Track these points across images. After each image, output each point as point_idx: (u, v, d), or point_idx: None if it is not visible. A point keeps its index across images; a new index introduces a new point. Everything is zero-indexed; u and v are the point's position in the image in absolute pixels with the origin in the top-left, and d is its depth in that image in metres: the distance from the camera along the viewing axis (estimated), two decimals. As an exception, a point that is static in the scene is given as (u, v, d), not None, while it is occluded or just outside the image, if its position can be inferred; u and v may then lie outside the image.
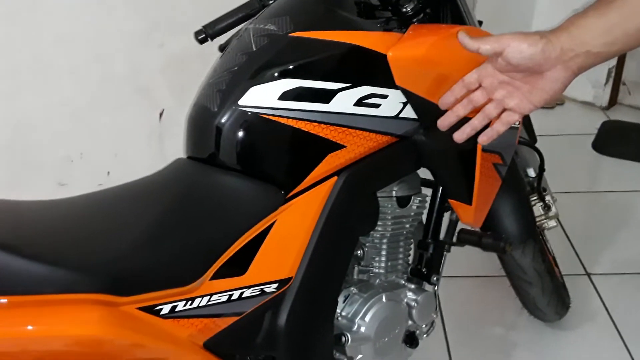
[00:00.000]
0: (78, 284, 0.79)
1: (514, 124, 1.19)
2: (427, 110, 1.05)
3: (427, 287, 1.23)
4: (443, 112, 1.07)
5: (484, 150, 1.14)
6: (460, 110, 0.89)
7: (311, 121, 0.96)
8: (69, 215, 0.91)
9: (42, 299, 0.77)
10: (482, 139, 0.91)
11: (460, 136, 0.91)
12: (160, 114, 2.07)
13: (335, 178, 1.00)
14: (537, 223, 1.50)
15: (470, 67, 1.11)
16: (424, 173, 1.18)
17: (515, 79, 0.84)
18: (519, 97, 0.85)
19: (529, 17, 2.97)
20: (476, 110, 0.89)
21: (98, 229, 0.89)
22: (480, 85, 0.87)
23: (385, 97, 1.01)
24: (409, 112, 1.04)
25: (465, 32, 0.86)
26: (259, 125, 0.96)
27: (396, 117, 1.03)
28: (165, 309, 0.86)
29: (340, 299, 1.11)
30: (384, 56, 0.99)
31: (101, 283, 0.80)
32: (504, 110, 0.87)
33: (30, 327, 0.76)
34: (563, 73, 0.81)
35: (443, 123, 0.91)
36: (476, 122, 0.89)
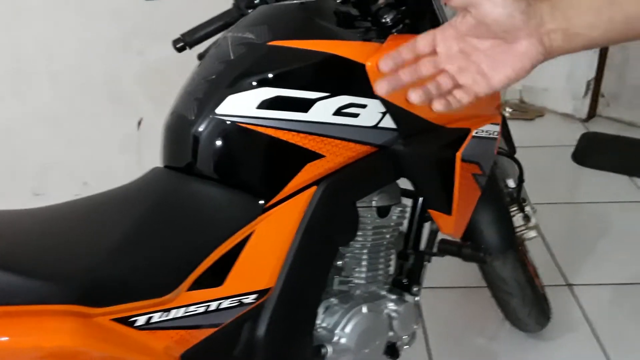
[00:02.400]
0: (51, 295, 0.78)
1: (491, 135, 1.21)
2: (406, 120, 1.05)
3: (408, 297, 1.22)
4: (422, 123, 1.07)
5: (463, 160, 1.14)
6: (404, 77, 0.72)
7: (289, 130, 0.95)
8: (42, 225, 0.90)
9: (14, 309, 0.76)
10: (436, 107, 0.73)
11: (414, 98, 0.72)
12: (139, 123, 2.06)
13: (314, 188, 0.99)
14: (517, 234, 1.50)
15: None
16: (404, 183, 1.18)
17: (477, 50, 0.71)
18: (475, 73, 0.71)
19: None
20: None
21: (72, 238, 0.88)
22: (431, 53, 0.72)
23: (364, 106, 1.00)
24: (388, 122, 1.04)
25: None
26: (237, 134, 0.95)
27: (375, 126, 1.03)
28: (141, 320, 0.84)
29: (320, 309, 1.09)
30: (363, 66, 0.99)
31: (74, 294, 0.79)
32: (454, 87, 0.72)
33: (3, 339, 0.75)
34: (535, 48, 0.69)
35: (380, 88, 0.73)
36: (431, 90, 0.72)
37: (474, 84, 0.71)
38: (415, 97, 0.72)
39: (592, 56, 2.84)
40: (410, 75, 0.72)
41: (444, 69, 0.72)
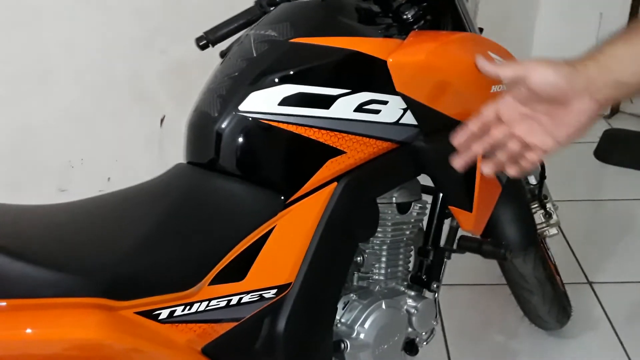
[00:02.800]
0: (77, 288, 0.79)
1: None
2: (427, 117, 1.05)
3: (427, 294, 1.22)
4: (444, 119, 1.07)
5: (484, 156, 1.14)
6: (478, 148, 0.80)
7: (311, 127, 0.96)
8: (69, 220, 0.91)
9: (41, 302, 0.77)
10: (511, 172, 0.81)
11: (487, 170, 0.81)
12: (162, 120, 2.08)
13: (335, 184, 1.00)
14: (538, 231, 1.49)
15: (470, 74, 1.11)
16: (425, 179, 1.18)
17: (537, 112, 0.77)
18: (542, 133, 0.77)
19: (531, 25, 2.98)
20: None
21: (98, 233, 0.89)
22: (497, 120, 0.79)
23: (385, 103, 1.01)
24: (409, 119, 1.04)
25: (483, 56, 0.82)
26: (259, 130, 0.96)
27: (396, 123, 1.03)
28: (164, 313, 0.86)
29: (340, 305, 1.10)
30: (385, 62, 0.99)
31: (100, 287, 0.80)
32: (525, 146, 0.79)
33: (29, 331, 0.76)
34: (589, 105, 0.74)
35: (457, 163, 0.82)
36: (501, 159, 0.80)
37: (542, 143, 0.78)
38: (488, 169, 0.81)
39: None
40: (483, 145, 0.80)
41: (513, 133, 0.78)
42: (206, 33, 1.16)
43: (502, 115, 0.79)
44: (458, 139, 0.81)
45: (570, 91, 0.74)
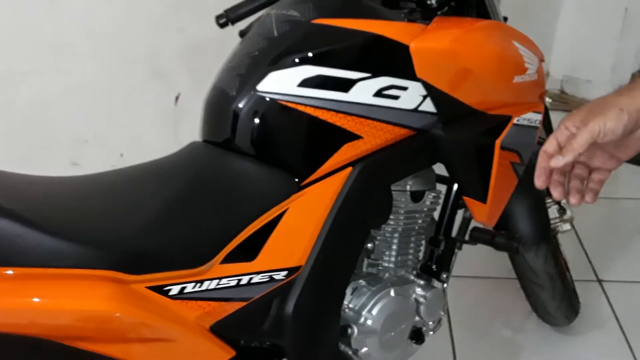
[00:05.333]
0: (89, 259, 0.79)
1: (532, 123, 1.19)
2: (447, 105, 1.04)
3: (437, 284, 1.22)
4: (464, 108, 1.06)
5: (502, 148, 1.13)
6: (558, 185, 0.85)
7: (329, 110, 0.95)
8: (83, 192, 0.91)
9: (52, 272, 0.78)
10: (588, 199, 0.87)
11: (557, 195, 0.86)
12: (177, 98, 2.07)
13: (350, 169, 0.99)
14: (551, 226, 1.48)
15: (494, 64, 1.09)
16: (440, 169, 1.17)
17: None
18: (603, 156, 0.83)
19: (554, 17, 2.94)
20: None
21: (111, 206, 0.89)
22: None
23: (405, 89, 1.00)
24: (429, 106, 1.03)
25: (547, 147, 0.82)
26: (277, 111, 0.95)
27: (415, 110, 1.02)
28: (175, 289, 0.86)
29: (348, 290, 1.10)
30: (407, 47, 0.98)
31: (112, 260, 0.81)
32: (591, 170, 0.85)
33: (38, 300, 0.76)
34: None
35: (556, 195, 0.86)
36: (575, 185, 0.85)
37: (605, 164, 0.84)
38: (558, 194, 0.85)
39: (639, 48, 2.76)
40: (560, 179, 0.84)
41: (578, 160, 0.83)
42: (227, 11, 1.15)
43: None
44: (538, 184, 0.85)
45: (626, 134, 0.78)
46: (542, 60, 1.22)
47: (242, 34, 1.11)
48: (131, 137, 2.07)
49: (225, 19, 1.15)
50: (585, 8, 2.85)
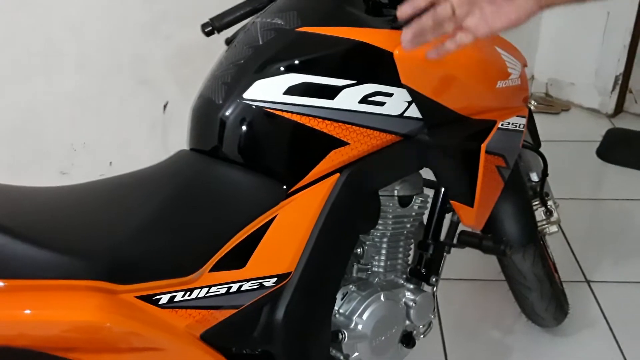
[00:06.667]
0: (77, 270, 0.79)
1: (517, 127, 1.20)
2: (432, 110, 1.05)
3: (426, 287, 1.23)
4: (448, 113, 1.07)
5: (487, 152, 1.14)
6: (425, 20, 0.82)
7: (315, 117, 0.96)
8: (71, 202, 0.91)
9: (41, 283, 0.78)
10: (431, 54, 0.86)
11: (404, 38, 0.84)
12: (165, 106, 2.07)
13: (337, 175, 1.00)
14: (539, 228, 1.50)
15: (477, 69, 1.11)
16: (427, 173, 1.18)
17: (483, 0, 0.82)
18: (478, 18, 0.82)
19: (537, 21, 2.97)
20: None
21: (99, 216, 0.89)
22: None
23: (390, 95, 1.01)
24: (414, 112, 1.04)
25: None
26: (263, 119, 0.96)
27: (400, 115, 1.03)
28: (164, 298, 0.86)
29: (339, 296, 1.11)
30: (391, 54, 0.99)
31: (101, 270, 0.81)
32: (459, 28, 0.83)
33: (27, 312, 0.76)
34: (532, 3, 0.80)
35: (405, 37, 0.83)
36: (429, 36, 0.83)
37: (476, 28, 0.82)
38: (407, 36, 0.82)
39: (622, 51, 2.79)
40: (428, 20, 0.82)
41: (454, 12, 0.81)
42: (212, 19, 1.15)
43: None
44: (404, 10, 0.82)
45: None
46: (524, 65, 1.24)
47: (229, 41, 1.11)
48: (119, 146, 2.06)
49: (211, 27, 1.16)
50: (569, 12, 2.88)
